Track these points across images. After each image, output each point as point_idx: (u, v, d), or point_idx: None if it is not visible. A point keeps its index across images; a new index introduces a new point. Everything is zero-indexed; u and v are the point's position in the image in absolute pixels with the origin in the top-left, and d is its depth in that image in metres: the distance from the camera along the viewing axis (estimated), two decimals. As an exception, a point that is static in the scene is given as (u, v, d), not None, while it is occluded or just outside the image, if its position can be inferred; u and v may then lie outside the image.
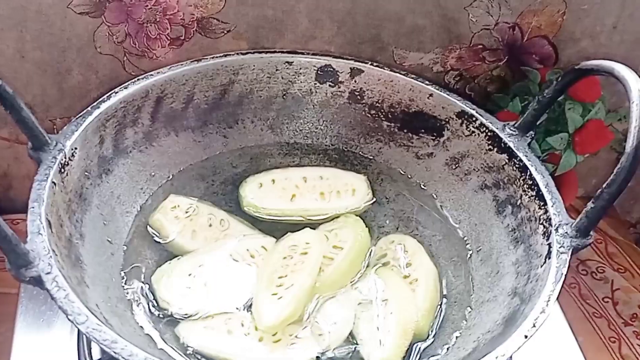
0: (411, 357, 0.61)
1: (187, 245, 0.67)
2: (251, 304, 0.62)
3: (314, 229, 0.69)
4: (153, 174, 0.71)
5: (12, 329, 0.71)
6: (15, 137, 0.88)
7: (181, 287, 0.62)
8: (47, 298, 0.72)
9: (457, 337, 0.62)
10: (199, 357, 0.58)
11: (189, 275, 0.63)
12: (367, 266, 0.67)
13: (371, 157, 0.78)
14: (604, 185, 0.58)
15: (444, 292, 0.66)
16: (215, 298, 0.62)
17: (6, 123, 0.86)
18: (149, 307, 0.62)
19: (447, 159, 0.74)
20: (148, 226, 0.69)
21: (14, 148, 0.89)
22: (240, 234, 0.68)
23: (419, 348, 0.61)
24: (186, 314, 0.61)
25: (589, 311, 0.92)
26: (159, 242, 0.67)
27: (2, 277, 0.84)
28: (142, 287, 0.63)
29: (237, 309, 0.62)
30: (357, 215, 0.71)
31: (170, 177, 0.73)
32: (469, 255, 0.69)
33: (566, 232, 0.60)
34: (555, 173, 0.88)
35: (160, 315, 0.61)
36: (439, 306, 0.65)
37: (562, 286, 0.93)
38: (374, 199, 0.74)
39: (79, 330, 0.69)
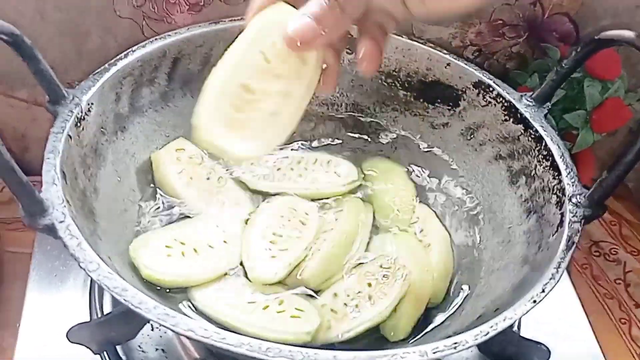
0: (420, 321, 0.61)
1: (180, 190, 0.67)
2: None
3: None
4: (168, 134, 0.72)
5: (25, 287, 0.72)
6: (34, 98, 0.88)
7: (161, 256, 0.61)
8: (60, 254, 0.74)
9: (466, 303, 0.62)
10: (204, 316, 0.59)
11: (166, 247, 0.62)
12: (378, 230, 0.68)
13: (386, 126, 0.78)
14: (619, 155, 0.57)
15: (455, 260, 0.66)
16: (197, 265, 0.61)
17: (24, 84, 0.87)
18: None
19: (462, 129, 0.73)
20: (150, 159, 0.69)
21: (32, 110, 0.90)
22: (233, 195, 0.68)
23: (429, 313, 0.62)
24: (171, 280, 0.60)
25: (600, 292, 0.91)
26: (172, 201, 0.67)
27: (15, 237, 0.86)
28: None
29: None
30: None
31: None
32: (480, 225, 0.69)
33: (579, 202, 0.59)
34: (572, 151, 0.88)
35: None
36: (452, 272, 0.65)
37: (574, 265, 0.93)
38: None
39: (90, 283, 0.71)
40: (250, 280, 0.60)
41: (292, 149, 0.75)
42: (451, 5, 0.50)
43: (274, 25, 0.49)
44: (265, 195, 0.70)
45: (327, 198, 0.70)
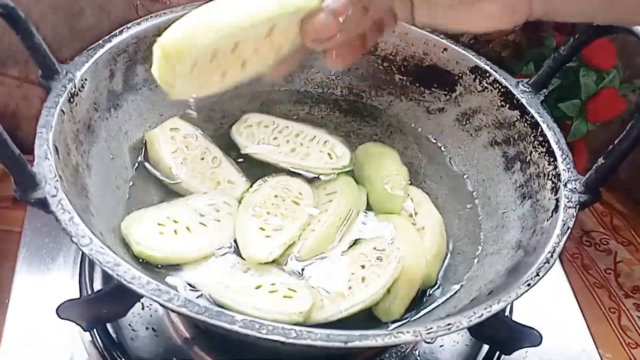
0: (413, 303, 0.61)
1: (175, 169, 0.66)
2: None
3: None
4: (162, 113, 0.71)
5: (14, 266, 0.72)
6: (25, 76, 0.88)
7: (154, 233, 0.60)
8: (50, 232, 0.73)
9: (459, 287, 0.62)
10: (195, 290, 0.58)
11: (158, 224, 0.61)
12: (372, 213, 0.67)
13: (381, 110, 0.78)
14: (615, 142, 0.57)
15: (449, 244, 0.66)
16: (189, 243, 0.61)
17: (16, 62, 0.86)
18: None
19: (458, 114, 0.73)
20: (144, 139, 0.69)
21: (24, 88, 0.89)
22: (227, 174, 0.68)
23: (422, 295, 0.61)
24: (163, 256, 0.59)
25: (590, 281, 0.92)
26: (162, 180, 0.67)
27: (5, 215, 0.85)
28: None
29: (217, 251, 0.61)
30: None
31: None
32: (475, 210, 0.69)
33: (575, 188, 0.59)
34: (566, 141, 0.88)
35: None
36: (445, 256, 0.65)
37: (565, 255, 0.93)
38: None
39: (81, 261, 0.70)
40: (243, 259, 0.60)
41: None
42: (462, 27, 0.48)
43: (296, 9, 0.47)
44: (254, 164, 0.70)
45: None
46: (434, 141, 0.75)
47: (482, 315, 0.49)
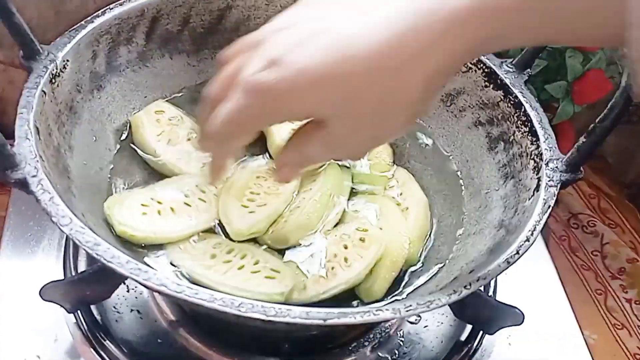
0: (395, 284, 0.61)
1: (161, 151, 0.66)
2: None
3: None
4: (146, 95, 0.71)
5: (-2, 248, 0.72)
6: (11, 60, 0.87)
7: (137, 213, 0.60)
8: (35, 214, 0.73)
9: (441, 266, 0.62)
10: (179, 274, 0.58)
11: (142, 205, 0.61)
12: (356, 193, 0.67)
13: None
14: (597, 120, 0.57)
15: (433, 225, 0.66)
16: (173, 223, 0.61)
17: (1, 46, 0.85)
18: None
19: (442, 96, 0.73)
20: (128, 124, 0.69)
21: (9, 72, 0.88)
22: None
23: (404, 276, 0.62)
24: (145, 236, 0.59)
25: (577, 263, 0.92)
26: (145, 162, 0.67)
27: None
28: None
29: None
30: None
31: (163, 99, 0.72)
32: (458, 190, 0.69)
33: (556, 167, 0.59)
34: (552, 123, 0.88)
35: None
36: (428, 236, 0.65)
37: (552, 237, 0.94)
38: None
39: (65, 244, 0.70)
40: (227, 239, 0.60)
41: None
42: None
43: None
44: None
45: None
46: (419, 122, 0.75)
47: (461, 292, 0.50)
